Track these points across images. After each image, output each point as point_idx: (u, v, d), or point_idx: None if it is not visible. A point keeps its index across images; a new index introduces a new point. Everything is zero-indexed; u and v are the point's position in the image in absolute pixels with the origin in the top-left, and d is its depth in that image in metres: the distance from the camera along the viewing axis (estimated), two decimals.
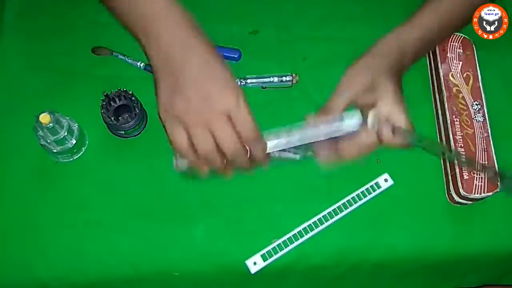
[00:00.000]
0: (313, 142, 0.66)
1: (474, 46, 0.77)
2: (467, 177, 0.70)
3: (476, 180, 0.70)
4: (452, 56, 0.76)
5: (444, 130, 0.74)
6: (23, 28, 0.81)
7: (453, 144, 0.71)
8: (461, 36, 0.77)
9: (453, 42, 0.77)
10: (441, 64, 0.75)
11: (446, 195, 0.73)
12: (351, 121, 0.65)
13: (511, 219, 0.73)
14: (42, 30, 0.81)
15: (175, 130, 0.60)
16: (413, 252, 0.72)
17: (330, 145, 0.66)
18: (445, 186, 0.74)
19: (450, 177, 0.72)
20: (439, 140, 0.76)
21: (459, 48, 0.76)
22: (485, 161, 0.70)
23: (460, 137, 0.72)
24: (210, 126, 0.58)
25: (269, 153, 0.65)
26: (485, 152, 0.71)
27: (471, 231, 0.73)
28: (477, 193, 0.69)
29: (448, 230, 0.73)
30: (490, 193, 0.69)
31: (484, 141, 0.72)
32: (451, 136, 0.72)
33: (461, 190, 0.69)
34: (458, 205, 0.73)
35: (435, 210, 0.73)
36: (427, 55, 0.80)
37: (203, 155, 0.60)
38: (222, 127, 0.59)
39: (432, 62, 0.79)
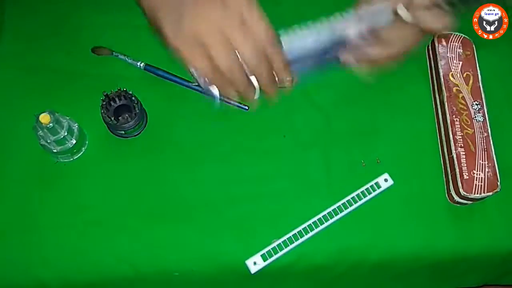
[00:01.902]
0: (343, 44, 0.60)
1: (474, 46, 0.77)
2: (467, 177, 0.70)
3: (476, 180, 0.70)
4: (452, 56, 0.76)
5: (444, 130, 0.74)
6: (23, 28, 0.81)
7: (453, 144, 0.72)
8: (461, 36, 0.77)
9: (453, 42, 0.77)
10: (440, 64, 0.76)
11: (446, 195, 0.73)
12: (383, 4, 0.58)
13: (511, 219, 0.73)
14: (42, 30, 0.81)
15: (195, 54, 0.56)
16: (413, 252, 0.72)
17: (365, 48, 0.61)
18: (445, 186, 0.74)
19: (450, 177, 0.72)
20: (439, 140, 0.76)
21: (459, 48, 0.76)
22: (485, 161, 0.70)
23: (460, 137, 0.72)
24: (229, 36, 0.55)
25: (289, 65, 0.59)
26: (485, 152, 0.71)
27: (471, 231, 0.73)
28: (477, 193, 0.69)
29: (448, 230, 0.73)
30: (490, 193, 0.69)
31: (484, 140, 0.72)
32: (451, 136, 0.72)
33: (461, 190, 0.69)
34: (458, 205, 0.73)
35: (435, 210, 0.73)
36: (427, 54, 0.80)
37: (229, 72, 0.56)
38: (241, 36, 0.56)
39: (432, 62, 0.79)
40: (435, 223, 0.73)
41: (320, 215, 0.71)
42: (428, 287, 0.82)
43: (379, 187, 0.73)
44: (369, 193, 0.72)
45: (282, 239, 0.70)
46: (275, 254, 0.69)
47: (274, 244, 0.70)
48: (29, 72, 0.78)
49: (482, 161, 0.70)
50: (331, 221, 0.71)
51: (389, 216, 0.73)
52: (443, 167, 0.75)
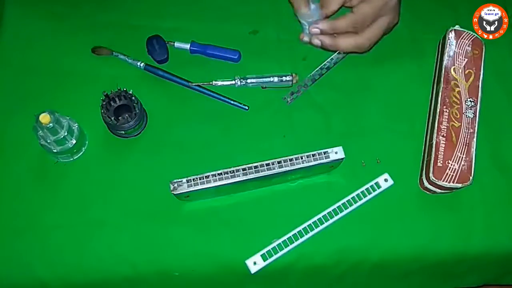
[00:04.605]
0: None
1: (484, 47, 0.77)
2: (441, 165, 0.70)
3: (449, 169, 0.70)
4: (459, 52, 0.76)
5: (432, 119, 0.74)
6: (23, 28, 0.81)
7: (436, 132, 0.72)
8: (473, 35, 0.77)
9: (464, 39, 0.77)
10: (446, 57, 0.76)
11: (418, 182, 0.74)
12: None
13: (511, 219, 0.73)
14: (42, 30, 0.81)
15: None
16: (413, 252, 0.72)
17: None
18: (419, 172, 0.74)
19: (425, 163, 0.73)
20: (425, 129, 0.76)
21: (468, 46, 0.76)
22: (463, 154, 0.71)
23: (445, 127, 0.72)
24: None
25: None
26: (466, 146, 0.71)
27: (471, 231, 0.73)
28: (446, 181, 0.69)
29: (448, 230, 0.73)
30: (460, 185, 0.69)
31: (469, 136, 0.72)
32: (436, 124, 0.72)
33: (431, 175, 0.70)
34: (429, 192, 0.73)
35: (435, 210, 0.73)
36: (437, 48, 0.80)
37: None
38: None
39: (439, 55, 0.79)
40: (435, 223, 0.73)
41: (320, 215, 0.71)
42: (428, 287, 0.82)
43: (379, 187, 0.73)
44: (369, 193, 0.72)
45: (282, 239, 0.70)
46: (275, 254, 0.69)
47: (274, 244, 0.70)
48: (29, 72, 0.78)
49: (461, 154, 0.71)
50: (331, 221, 0.71)
51: (389, 216, 0.73)
52: (422, 155, 0.75)
